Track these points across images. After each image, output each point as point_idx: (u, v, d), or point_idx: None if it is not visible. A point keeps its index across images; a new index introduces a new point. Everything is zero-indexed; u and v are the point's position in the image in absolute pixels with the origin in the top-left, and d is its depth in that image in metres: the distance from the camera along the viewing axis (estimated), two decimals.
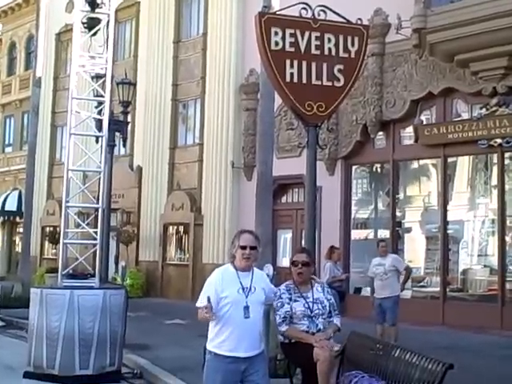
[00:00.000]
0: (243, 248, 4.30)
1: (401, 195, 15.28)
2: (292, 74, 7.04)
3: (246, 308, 4.21)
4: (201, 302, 4.24)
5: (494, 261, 13.29)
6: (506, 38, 12.25)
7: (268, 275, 5.29)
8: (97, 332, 7.93)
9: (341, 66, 7.22)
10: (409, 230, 15.24)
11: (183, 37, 20.71)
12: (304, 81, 7.07)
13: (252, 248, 4.31)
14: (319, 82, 7.13)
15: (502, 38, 12.25)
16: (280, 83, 7.05)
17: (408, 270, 10.30)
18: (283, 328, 4.88)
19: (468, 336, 11.38)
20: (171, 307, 15.97)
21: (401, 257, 12.44)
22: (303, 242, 17.00)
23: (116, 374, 8.08)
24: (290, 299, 4.84)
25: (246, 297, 4.25)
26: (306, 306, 4.83)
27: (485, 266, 13.80)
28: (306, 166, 7.16)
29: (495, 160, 13.39)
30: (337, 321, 5.02)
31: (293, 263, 4.96)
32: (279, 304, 4.88)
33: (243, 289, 4.25)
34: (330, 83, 7.17)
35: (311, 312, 4.81)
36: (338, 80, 7.22)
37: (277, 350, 7.78)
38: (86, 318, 7.93)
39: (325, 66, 7.17)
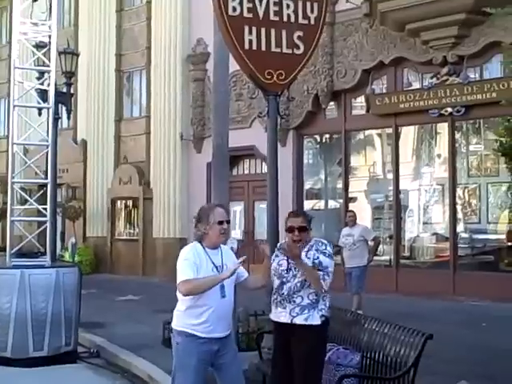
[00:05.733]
0: (221, 223, 4.10)
1: (352, 165, 15.32)
2: (251, 41, 6.77)
3: (222, 287, 4.03)
4: (187, 274, 3.94)
5: (446, 228, 13.53)
6: (457, 8, 12.32)
7: (232, 249, 5.11)
8: (50, 312, 7.66)
9: (300, 33, 6.98)
10: (355, 200, 15.33)
11: (126, 5, 20.07)
12: (263, 48, 6.81)
13: (227, 222, 4.17)
14: (279, 50, 6.88)
15: (453, 7, 12.31)
16: (238, 50, 6.77)
17: (376, 240, 10.37)
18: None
19: (422, 302, 11.55)
20: (122, 283, 15.64)
21: None
22: (255, 214, 17.11)
23: (72, 354, 7.85)
24: (277, 255, 4.35)
25: None
26: (280, 263, 4.28)
27: (435, 233, 14.05)
28: (268, 136, 6.93)
29: (446, 129, 13.54)
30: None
31: (288, 229, 4.28)
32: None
33: (216, 267, 4.06)
34: (289, 51, 6.93)
35: (282, 272, 4.24)
36: (298, 47, 6.99)
37: (239, 323, 7.73)
38: (39, 298, 7.65)
39: (284, 32, 6.90)
